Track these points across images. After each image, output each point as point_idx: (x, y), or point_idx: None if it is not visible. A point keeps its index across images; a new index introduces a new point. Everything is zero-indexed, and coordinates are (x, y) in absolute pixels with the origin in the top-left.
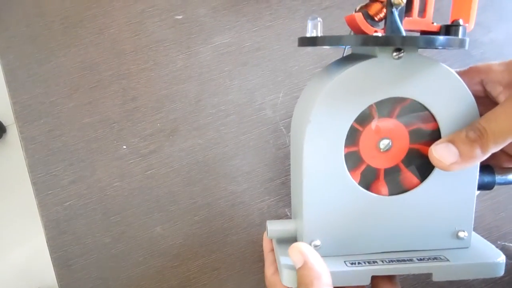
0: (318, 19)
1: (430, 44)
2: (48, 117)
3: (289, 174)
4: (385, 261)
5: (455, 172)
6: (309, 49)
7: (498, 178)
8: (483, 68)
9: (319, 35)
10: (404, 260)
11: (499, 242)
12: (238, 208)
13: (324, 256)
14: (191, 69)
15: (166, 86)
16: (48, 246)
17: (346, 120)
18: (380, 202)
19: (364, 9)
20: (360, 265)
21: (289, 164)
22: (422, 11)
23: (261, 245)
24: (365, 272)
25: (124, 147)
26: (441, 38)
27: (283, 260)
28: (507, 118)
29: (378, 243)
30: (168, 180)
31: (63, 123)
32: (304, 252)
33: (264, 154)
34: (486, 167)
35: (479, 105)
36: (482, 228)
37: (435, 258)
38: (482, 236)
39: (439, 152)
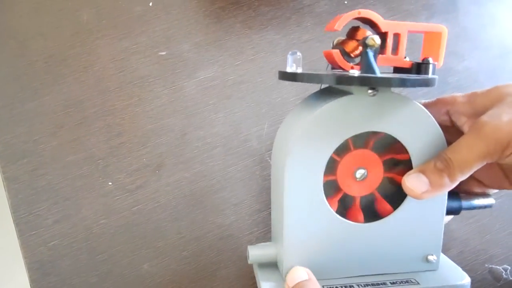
0: (298, 54)
1: (402, 85)
2: (31, 156)
3: None
4: (361, 285)
5: (426, 200)
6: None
7: (464, 203)
8: (449, 99)
9: (299, 69)
10: (378, 284)
11: (486, 265)
12: (226, 241)
13: None
14: (176, 104)
15: (151, 121)
16: None
17: (325, 152)
18: (356, 229)
19: (341, 46)
20: None
21: None
22: (395, 49)
23: (251, 278)
24: None
25: (110, 183)
26: (412, 78)
27: (264, 285)
28: (469, 149)
29: (354, 267)
30: (155, 216)
31: (47, 162)
32: (310, 272)
33: (251, 185)
34: (452, 194)
35: (447, 134)
36: (469, 251)
37: (406, 282)
38: (469, 259)
39: (411, 182)
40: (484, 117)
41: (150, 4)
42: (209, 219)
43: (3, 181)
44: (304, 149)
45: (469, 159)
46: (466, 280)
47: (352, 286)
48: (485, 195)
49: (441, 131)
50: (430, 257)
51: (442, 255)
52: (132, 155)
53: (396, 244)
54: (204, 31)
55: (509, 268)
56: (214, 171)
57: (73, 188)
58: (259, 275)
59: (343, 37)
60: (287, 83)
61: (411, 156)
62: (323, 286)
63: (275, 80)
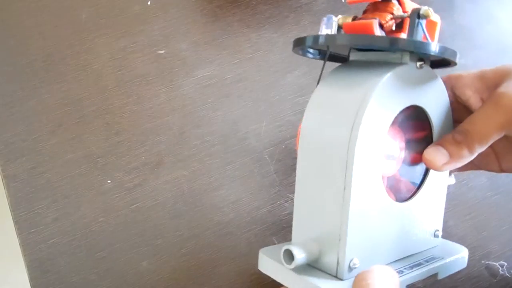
0: (333, 18)
1: (454, 56)
2: (30, 154)
3: (275, 203)
4: (406, 268)
5: (440, 176)
6: (289, 79)
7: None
8: (454, 76)
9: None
10: (417, 265)
11: (483, 261)
12: (225, 239)
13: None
14: (175, 102)
15: (149, 119)
16: (31, 286)
17: (386, 123)
18: (397, 209)
19: (376, 18)
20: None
21: (275, 192)
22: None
23: (251, 275)
24: (404, 283)
25: (109, 181)
26: (451, 50)
27: (325, 285)
28: (487, 119)
29: (394, 252)
30: (154, 213)
31: (46, 160)
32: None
33: (249, 183)
34: None
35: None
36: (466, 248)
37: (433, 259)
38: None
39: (431, 154)
40: (501, 88)
41: (149, 3)
42: (208, 216)
43: (2, 179)
44: (371, 128)
45: (487, 130)
46: (465, 250)
47: (402, 271)
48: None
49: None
50: (437, 232)
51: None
52: (131, 153)
53: (421, 223)
54: (202, 29)
55: (506, 264)
56: (213, 169)
57: (72, 186)
58: (307, 279)
59: (347, 16)
60: (285, 81)
61: (433, 131)
62: None
63: (273, 78)
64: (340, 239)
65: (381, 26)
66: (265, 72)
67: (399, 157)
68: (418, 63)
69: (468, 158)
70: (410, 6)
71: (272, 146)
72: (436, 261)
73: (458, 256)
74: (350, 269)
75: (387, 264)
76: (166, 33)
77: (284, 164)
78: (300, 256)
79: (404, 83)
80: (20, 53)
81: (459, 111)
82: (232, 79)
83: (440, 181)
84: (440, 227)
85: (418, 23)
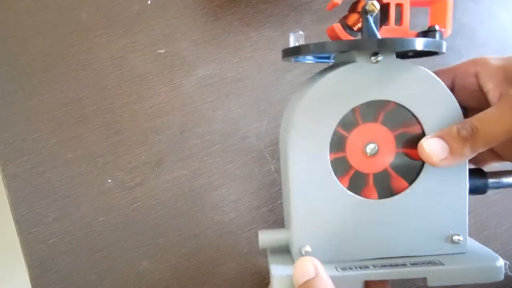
0: (300, 32)
1: (406, 46)
2: (31, 154)
3: (276, 202)
4: (378, 266)
5: (444, 173)
6: (290, 77)
7: (491, 181)
8: (480, 60)
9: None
10: (397, 265)
11: None
12: (225, 238)
13: None
14: (175, 101)
15: (150, 118)
16: (32, 285)
17: (329, 124)
18: (370, 206)
19: (342, 20)
20: (351, 270)
21: (276, 191)
22: (399, 20)
23: (251, 274)
24: (357, 277)
25: (109, 181)
26: (417, 39)
27: (274, 268)
28: (499, 121)
29: (371, 249)
30: (154, 213)
31: (46, 160)
32: (317, 264)
33: (250, 182)
34: (477, 171)
35: (471, 99)
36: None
37: (429, 263)
38: None
39: (430, 146)
40: None
41: (149, 2)
42: (208, 216)
43: (2, 178)
44: (307, 122)
45: (497, 132)
46: (500, 261)
47: (368, 266)
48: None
49: (455, 99)
50: (455, 237)
51: (473, 241)
52: (131, 152)
53: (415, 223)
54: (202, 28)
55: (508, 263)
56: (213, 168)
57: (73, 186)
58: (270, 259)
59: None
60: (285, 80)
61: (424, 128)
62: (335, 267)
63: (273, 77)
64: (290, 227)
65: (350, 27)
66: (265, 71)
67: (386, 154)
68: (373, 58)
69: (468, 157)
70: None
71: (272, 145)
72: (428, 266)
73: (469, 266)
74: (303, 256)
75: (362, 259)
76: (166, 32)
77: None
78: (262, 239)
79: (353, 80)
80: (20, 53)
81: (480, 100)
82: (232, 78)
83: (455, 179)
84: (461, 232)
85: (366, 18)
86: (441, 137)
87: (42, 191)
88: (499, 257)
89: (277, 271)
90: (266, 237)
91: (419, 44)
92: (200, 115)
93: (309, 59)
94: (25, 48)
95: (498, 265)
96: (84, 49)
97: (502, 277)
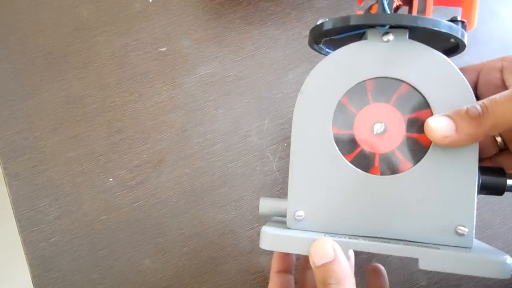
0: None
1: (415, 22)
2: (32, 152)
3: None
4: (368, 238)
5: (452, 156)
6: (291, 76)
7: (510, 182)
8: (508, 57)
9: None
10: (388, 241)
11: None
12: (227, 237)
13: (306, 230)
14: (176, 100)
15: (151, 117)
16: (33, 284)
17: (334, 95)
18: (370, 181)
19: (367, 10)
20: (339, 237)
21: (278, 190)
22: (422, 12)
23: (253, 273)
24: (344, 244)
25: (111, 179)
26: (429, 18)
27: (264, 228)
28: (511, 101)
29: (366, 226)
30: (156, 212)
31: (48, 158)
32: (336, 246)
33: (251, 181)
34: (497, 169)
35: (495, 94)
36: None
37: (425, 245)
38: None
39: (435, 123)
40: None
41: (150, 0)
42: (210, 215)
43: (4, 177)
44: (314, 91)
45: (507, 114)
46: (509, 258)
47: (358, 237)
48: None
49: (468, 85)
50: (460, 229)
51: (480, 242)
52: (133, 151)
53: (416, 206)
54: (203, 27)
55: None
56: (215, 167)
57: (74, 184)
58: (266, 224)
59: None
60: (287, 79)
61: (433, 110)
62: (324, 234)
63: (275, 75)
64: (289, 191)
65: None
66: (267, 69)
67: (394, 135)
68: (384, 37)
69: (475, 138)
70: None
71: (274, 143)
72: (422, 247)
73: (469, 255)
74: (296, 220)
75: (352, 236)
76: (168, 31)
77: (287, 162)
78: (262, 205)
79: (363, 57)
80: (21, 51)
81: None
82: (234, 77)
83: (463, 164)
84: (467, 224)
85: (381, 0)
86: (448, 115)
87: (43, 190)
88: (508, 255)
89: (267, 228)
90: (266, 203)
91: (431, 22)
92: (202, 113)
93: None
94: (26, 46)
95: (508, 261)
96: (85, 47)
97: (509, 275)
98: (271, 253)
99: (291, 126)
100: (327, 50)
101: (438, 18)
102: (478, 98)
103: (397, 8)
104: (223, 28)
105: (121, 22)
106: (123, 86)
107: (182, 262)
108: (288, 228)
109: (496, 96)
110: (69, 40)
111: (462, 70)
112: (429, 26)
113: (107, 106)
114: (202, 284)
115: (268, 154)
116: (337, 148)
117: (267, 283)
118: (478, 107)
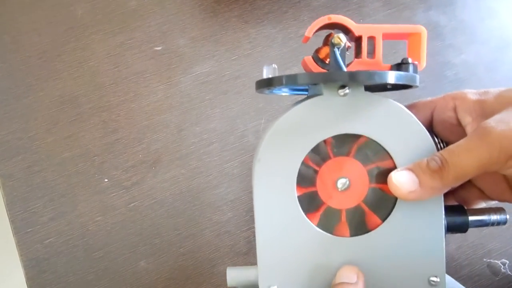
0: (273, 65)
1: (372, 78)
2: (26, 152)
3: None
4: None
5: (418, 210)
6: None
7: (472, 219)
8: (458, 94)
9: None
10: None
11: (484, 260)
12: (223, 238)
13: None
14: (172, 99)
15: (147, 117)
16: (28, 286)
17: (295, 158)
18: (340, 244)
19: (315, 53)
20: None
21: None
22: (372, 53)
23: None
24: None
25: (106, 180)
26: (383, 72)
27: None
28: (469, 153)
29: None
30: (152, 212)
31: (42, 158)
32: (360, 275)
33: (248, 181)
34: (457, 208)
35: (450, 134)
36: (467, 246)
37: None
38: (467, 254)
39: (398, 178)
40: (491, 122)
41: None
42: (206, 215)
43: None
44: (272, 156)
45: (467, 164)
46: None
47: None
48: (497, 210)
49: (427, 133)
50: (432, 280)
51: (453, 281)
52: (128, 151)
53: (388, 262)
54: (200, 25)
55: (507, 262)
56: (211, 167)
57: (69, 185)
58: None
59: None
60: None
61: (394, 160)
62: None
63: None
64: (258, 266)
65: (322, 60)
66: None
67: (359, 189)
68: (340, 91)
69: (439, 191)
70: (358, 31)
71: None
72: None
73: None
74: None
75: None
76: (163, 29)
77: None
78: (230, 277)
79: (319, 113)
80: (15, 50)
81: (460, 134)
82: (230, 76)
83: (430, 216)
84: (438, 273)
85: (333, 51)
86: (410, 169)
87: (38, 191)
88: None
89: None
90: (235, 274)
91: (386, 76)
92: (198, 113)
93: (285, 91)
94: (20, 45)
95: None
96: (80, 46)
97: None
98: None
99: None
100: (275, 91)
101: (390, 68)
102: (435, 135)
103: (347, 48)
104: (220, 26)
105: (116, 20)
106: (118, 86)
107: (178, 264)
108: None
109: (453, 147)
110: (63, 39)
111: (415, 106)
112: (386, 80)
113: (102, 105)
114: (198, 285)
115: None
116: (303, 213)
117: None
118: (438, 160)
